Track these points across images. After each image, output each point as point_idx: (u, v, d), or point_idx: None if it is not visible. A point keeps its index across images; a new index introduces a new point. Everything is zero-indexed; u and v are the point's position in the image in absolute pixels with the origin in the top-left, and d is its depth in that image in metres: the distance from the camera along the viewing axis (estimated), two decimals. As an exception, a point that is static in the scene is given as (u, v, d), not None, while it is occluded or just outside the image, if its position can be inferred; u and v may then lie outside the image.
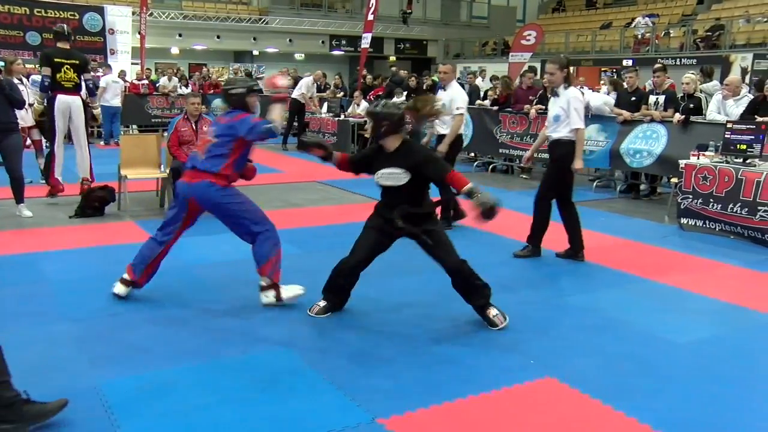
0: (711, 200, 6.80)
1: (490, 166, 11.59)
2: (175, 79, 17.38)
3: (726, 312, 4.63)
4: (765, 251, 6.22)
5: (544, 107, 10.26)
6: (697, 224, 6.99)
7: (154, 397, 3.22)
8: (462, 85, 13.38)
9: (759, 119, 7.25)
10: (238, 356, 3.70)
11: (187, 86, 17.20)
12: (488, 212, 3.83)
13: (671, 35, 22.24)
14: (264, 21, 26.37)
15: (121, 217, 7.16)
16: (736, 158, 6.82)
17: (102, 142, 13.90)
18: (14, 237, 6.18)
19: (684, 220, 7.13)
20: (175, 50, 26.00)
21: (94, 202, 7.18)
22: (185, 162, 4.95)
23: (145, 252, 4.54)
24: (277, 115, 4.29)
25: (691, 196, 6.98)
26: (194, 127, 7.26)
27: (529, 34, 14.98)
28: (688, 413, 3.17)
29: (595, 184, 9.86)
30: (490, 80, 14.23)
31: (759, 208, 6.36)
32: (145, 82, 17.20)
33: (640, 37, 22.74)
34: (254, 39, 26.35)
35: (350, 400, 3.23)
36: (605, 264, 5.74)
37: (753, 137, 6.77)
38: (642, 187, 9.39)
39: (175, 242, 4.58)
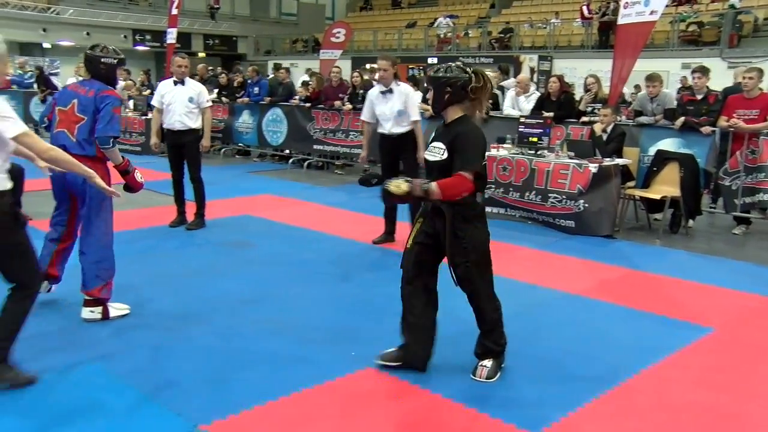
0: (510, 189, 7.39)
1: (306, 163, 11.65)
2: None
3: (523, 291, 5.05)
4: (555, 234, 6.89)
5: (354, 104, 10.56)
6: (500, 212, 7.56)
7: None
8: (279, 83, 13.32)
9: (545, 114, 8.01)
10: (40, 377, 3.37)
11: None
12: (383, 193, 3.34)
13: (470, 35, 23.85)
14: (54, 11, 24.21)
15: None
16: (529, 150, 7.48)
17: None
18: None
19: (489, 209, 7.66)
20: (-58, 39, 23.00)
21: None
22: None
23: (44, 253, 4.22)
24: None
25: (493, 186, 7.53)
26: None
27: (339, 32, 15.22)
28: (494, 388, 3.44)
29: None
30: (309, 76, 14.28)
31: (549, 195, 7.03)
32: None
33: (442, 36, 24.12)
34: (44, 30, 24.10)
35: (169, 409, 3.10)
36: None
37: (541, 131, 7.48)
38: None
39: (74, 230, 4.28)
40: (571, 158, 7.07)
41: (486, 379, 3.47)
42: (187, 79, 6.75)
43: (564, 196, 6.92)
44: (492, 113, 9.10)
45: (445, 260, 3.52)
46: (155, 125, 6.94)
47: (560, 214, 6.97)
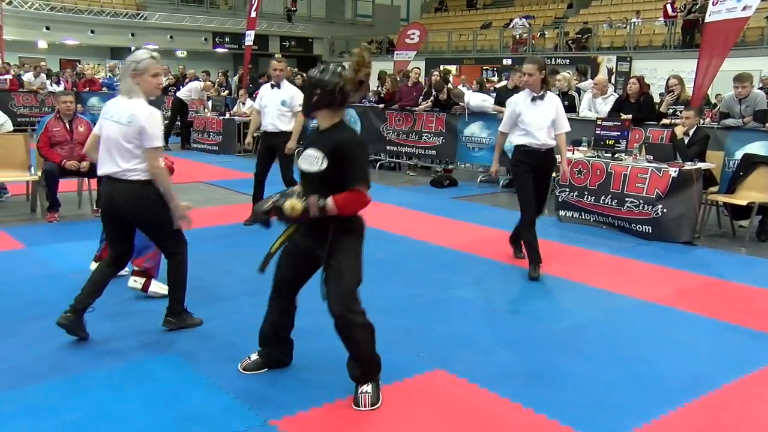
0: (585, 193, 7.21)
1: (378, 163, 11.72)
2: (43, 76, 16.29)
3: (595, 297, 4.92)
4: (631, 239, 6.68)
5: (431, 105, 10.55)
6: (574, 216, 7.39)
7: (25, 415, 3.01)
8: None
9: (623, 116, 7.77)
10: (116, 367, 3.53)
11: (58, 83, 16.17)
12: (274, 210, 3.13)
13: (546, 36, 23.43)
14: (142, 16, 25.29)
15: (-15, 225, 6.64)
16: (605, 153, 7.28)
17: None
18: None
19: (562, 212, 7.52)
20: (42, 44, 24.38)
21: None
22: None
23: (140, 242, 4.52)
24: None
25: (567, 189, 7.37)
26: (68, 127, 6.86)
27: (413, 33, 15.28)
28: (566, 395, 3.35)
29: (479, 179, 10.19)
30: (378, 77, 14.37)
31: (626, 199, 6.81)
32: (8, 77, 15.92)
33: (517, 37, 23.79)
34: (132, 35, 25.20)
35: (240, 403, 3.17)
36: (488, 256, 5.95)
37: (619, 133, 7.26)
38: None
39: None
40: (649, 162, 6.84)
41: (371, 406, 3.18)
42: (284, 83, 6.89)
43: (641, 201, 6.69)
44: (567, 115, 8.89)
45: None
46: (253, 126, 7.23)
47: (637, 219, 6.75)
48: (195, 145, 13.84)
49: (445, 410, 3.18)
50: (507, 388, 3.37)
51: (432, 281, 5.26)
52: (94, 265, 4.82)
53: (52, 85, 15.91)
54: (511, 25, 24.70)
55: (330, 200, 3.04)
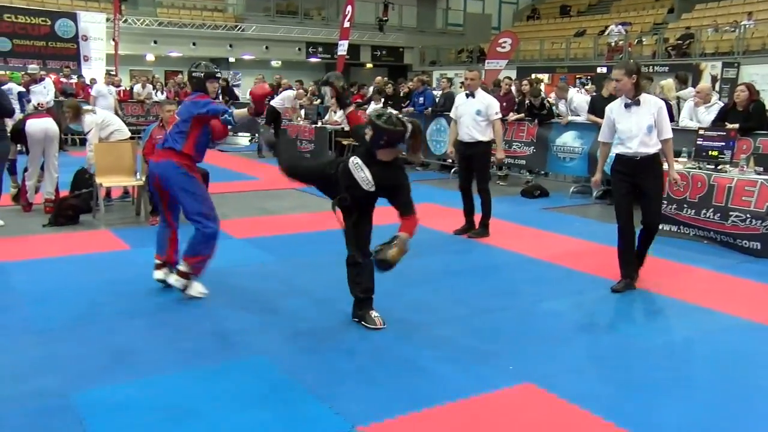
0: (685, 205, 6.89)
1: (467, 173, 11.62)
2: (150, 87, 17.22)
3: (695, 315, 4.68)
4: (736, 255, 6.32)
5: (524, 115, 10.39)
6: (672, 229, 7.08)
7: (128, 409, 3.17)
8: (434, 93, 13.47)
9: (729, 126, 7.39)
10: (211, 366, 3.66)
11: (162, 93, 17.06)
12: (380, 263, 3.90)
13: (643, 43, 22.62)
14: (240, 28, 26.29)
15: (96, 226, 7.07)
16: (708, 164, 6.94)
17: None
18: (-15, 246, 6.08)
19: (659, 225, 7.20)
20: (150, 57, 25.80)
21: (68, 211, 7.08)
22: None
23: (159, 235, 4.91)
24: (240, 112, 4.62)
25: (665, 202, 7.06)
26: (170, 135, 7.20)
27: (505, 42, 15.12)
28: (661, 416, 3.20)
29: (571, 190, 9.94)
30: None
31: (731, 213, 6.46)
32: (121, 88, 16.97)
33: (613, 44, 23.08)
34: (230, 46, 26.25)
35: (329, 408, 3.22)
36: (579, 269, 5.79)
37: (724, 144, 6.90)
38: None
39: (172, 218, 4.83)
40: (759, 173, 6.46)
41: None
42: (478, 92, 6.89)
43: (749, 215, 6.32)
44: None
45: None
46: (451, 136, 7.30)
47: (743, 235, 6.38)
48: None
49: (534, 425, 3.11)
50: (598, 406, 3.26)
51: (522, 293, 5.17)
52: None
53: (156, 95, 16.80)
54: (606, 32, 24.01)
55: (406, 235, 3.96)
